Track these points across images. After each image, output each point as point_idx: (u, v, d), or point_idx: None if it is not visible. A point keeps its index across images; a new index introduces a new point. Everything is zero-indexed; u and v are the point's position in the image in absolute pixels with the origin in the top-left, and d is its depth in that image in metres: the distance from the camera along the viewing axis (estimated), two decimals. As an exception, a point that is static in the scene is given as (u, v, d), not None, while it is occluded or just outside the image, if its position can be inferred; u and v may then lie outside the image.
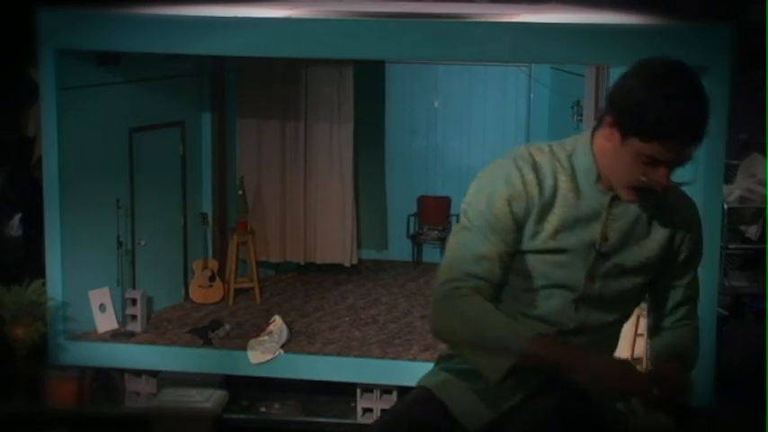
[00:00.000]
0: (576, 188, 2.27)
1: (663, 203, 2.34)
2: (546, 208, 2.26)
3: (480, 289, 2.24)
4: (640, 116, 2.16)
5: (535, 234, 2.26)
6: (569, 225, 2.27)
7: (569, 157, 2.30)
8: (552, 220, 2.26)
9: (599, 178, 2.27)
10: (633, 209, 2.31)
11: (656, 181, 2.19)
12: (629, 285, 2.34)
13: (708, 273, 6.52)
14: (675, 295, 2.44)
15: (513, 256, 2.28)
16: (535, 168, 2.26)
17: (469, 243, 2.26)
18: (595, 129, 2.28)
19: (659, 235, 2.35)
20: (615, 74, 7.41)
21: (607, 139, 2.22)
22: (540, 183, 2.25)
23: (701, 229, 2.45)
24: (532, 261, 2.28)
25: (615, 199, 2.28)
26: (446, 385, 2.34)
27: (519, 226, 2.26)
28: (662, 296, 2.44)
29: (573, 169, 2.28)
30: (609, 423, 2.31)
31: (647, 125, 2.15)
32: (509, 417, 2.27)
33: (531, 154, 2.29)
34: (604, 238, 2.29)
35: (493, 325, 2.20)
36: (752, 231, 7.15)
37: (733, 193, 7.09)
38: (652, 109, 2.16)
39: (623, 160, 2.20)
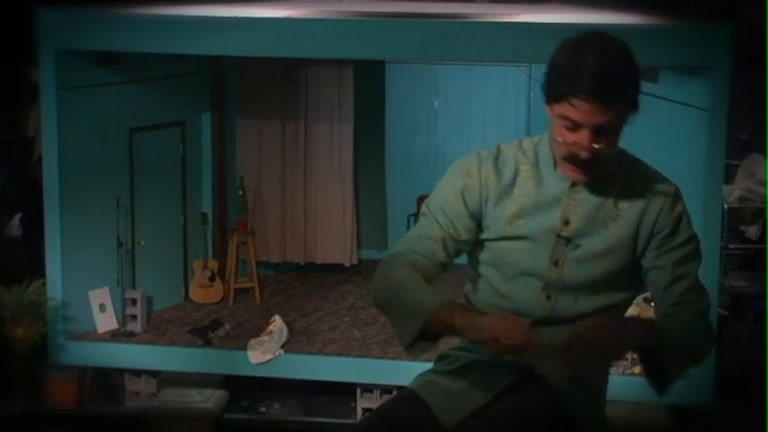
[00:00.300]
0: (536, 175, 2.33)
1: (632, 184, 2.32)
2: (504, 195, 2.33)
3: (418, 264, 2.33)
4: (550, 77, 2.23)
5: (494, 221, 2.33)
6: (529, 211, 2.31)
7: (536, 146, 2.37)
8: (511, 207, 2.32)
9: (557, 164, 2.32)
10: (597, 192, 2.31)
11: (579, 146, 2.21)
12: (600, 270, 2.31)
13: (708, 273, 6.52)
14: (663, 277, 2.35)
15: (471, 246, 2.36)
16: (496, 159, 2.36)
17: (420, 226, 2.41)
18: None
19: (629, 216, 2.31)
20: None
21: (549, 118, 2.29)
22: (498, 172, 2.34)
23: (684, 206, 2.36)
24: (497, 250, 2.34)
25: (577, 184, 2.31)
26: (428, 386, 2.39)
27: (474, 215, 2.34)
28: (651, 282, 2.37)
29: (536, 157, 2.35)
30: (582, 420, 2.30)
31: (556, 84, 2.21)
32: (483, 414, 2.30)
33: (498, 147, 2.40)
34: (566, 222, 2.30)
35: (412, 291, 2.25)
36: (752, 231, 7.15)
37: (733, 193, 7.09)
38: (560, 68, 2.21)
39: (553, 131, 2.26)
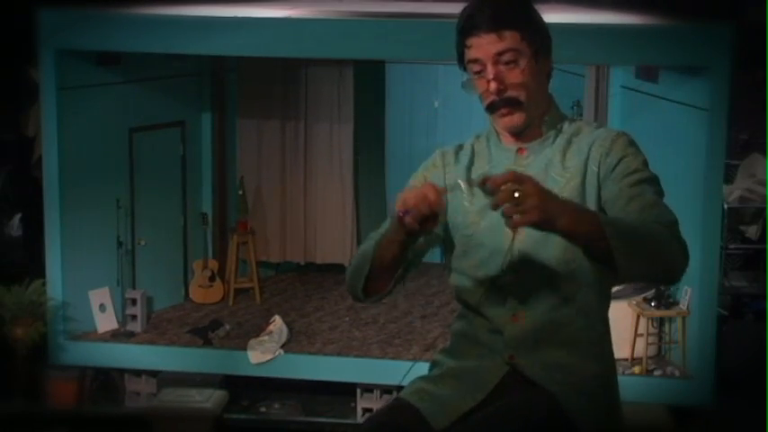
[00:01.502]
0: (488, 153, 2.41)
1: (578, 142, 2.34)
2: (461, 173, 2.41)
3: None
4: (456, 43, 2.34)
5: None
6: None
7: (487, 131, 2.46)
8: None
9: (499, 135, 2.41)
10: (544, 156, 2.34)
11: (488, 84, 2.28)
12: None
13: (708, 273, 6.53)
14: (618, 201, 2.23)
15: (441, 235, 2.41)
16: (457, 149, 2.47)
17: (388, 223, 2.40)
18: None
19: (575, 167, 2.31)
20: (615, 74, 7.45)
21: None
22: (458, 158, 2.44)
23: (629, 145, 2.29)
24: (463, 231, 2.38)
25: (524, 151, 2.37)
26: (418, 392, 2.41)
27: None
28: (609, 212, 2.25)
29: (488, 139, 2.45)
30: (573, 422, 2.29)
31: (456, 40, 2.33)
32: (473, 416, 2.31)
33: (460, 143, 2.50)
34: None
35: (362, 249, 2.38)
36: (752, 231, 7.15)
37: (733, 193, 7.09)
38: (456, 25, 2.32)
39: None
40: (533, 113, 2.34)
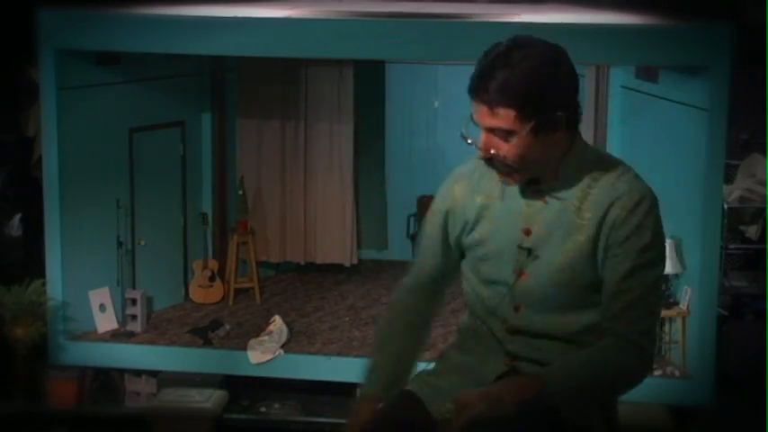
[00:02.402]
0: (500, 187, 2.32)
1: (598, 190, 2.22)
2: (476, 210, 2.38)
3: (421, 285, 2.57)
4: None
5: (470, 235, 2.39)
6: (494, 222, 2.32)
7: None
8: (483, 222, 2.35)
9: None
10: (559, 200, 2.24)
11: (479, 147, 2.22)
12: (564, 283, 2.24)
13: (708, 273, 6.53)
14: (606, 289, 2.21)
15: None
16: (471, 175, 2.41)
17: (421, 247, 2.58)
18: None
19: (590, 226, 2.21)
20: (615, 74, 7.45)
21: None
22: (472, 189, 2.39)
23: (649, 211, 2.19)
24: (471, 257, 2.38)
25: (537, 191, 2.28)
26: (421, 383, 2.46)
27: (455, 236, 2.45)
28: (603, 294, 2.24)
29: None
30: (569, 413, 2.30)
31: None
32: None
33: (474, 161, 2.42)
34: (526, 232, 2.27)
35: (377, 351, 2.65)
36: (752, 231, 7.15)
37: (733, 193, 7.09)
38: None
39: None
40: (536, 173, 2.24)
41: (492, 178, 2.31)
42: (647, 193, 2.21)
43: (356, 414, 2.43)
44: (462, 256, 2.42)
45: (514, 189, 2.29)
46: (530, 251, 2.26)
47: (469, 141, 2.24)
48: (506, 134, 2.17)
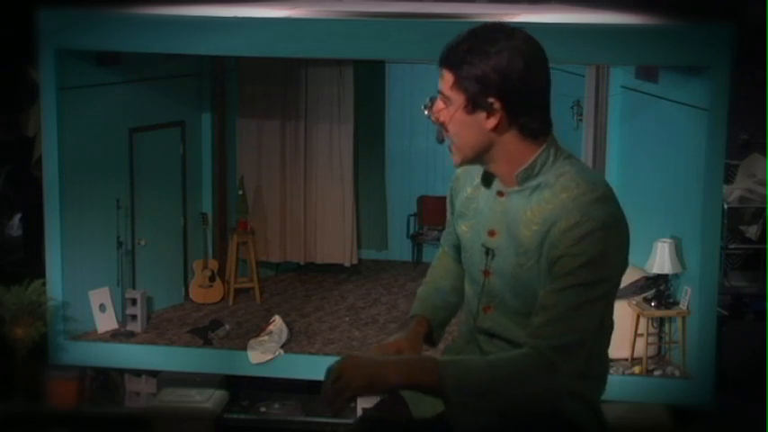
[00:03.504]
0: (479, 183, 2.31)
1: (553, 194, 2.14)
2: (465, 202, 2.36)
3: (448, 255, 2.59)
4: None
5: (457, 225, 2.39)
6: (470, 219, 2.30)
7: None
8: (465, 216, 2.34)
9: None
10: (519, 203, 2.18)
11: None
12: (522, 287, 2.18)
13: (708, 273, 6.53)
14: (536, 305, 2.14)
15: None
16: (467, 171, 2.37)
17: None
18: None
19: (537, 233, 2.14)
20: (615, 74, 7.46)
21: None
22: (465, 179, 2.37)
23: (586, 240, 2.07)
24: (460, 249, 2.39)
25: (503, 194, 2.22)
26: None
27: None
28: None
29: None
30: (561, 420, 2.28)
31: None
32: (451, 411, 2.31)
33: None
34: (490, 233, 2.24)
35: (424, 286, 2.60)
36: (752, 231, 7.15)
37: (733, 193, 7.09)
38: None
39: None
40: (476, 160, 2.21)
41: (482, 174, 2.30)
42: (599, 218, 2.08)
43: (381, 347, 2.36)
44: None
45: (493, 189, 2.25)
46: (493, 253, 2.23)
47: (426, 113, 2.24)
48: (446, 100, 2.17)
